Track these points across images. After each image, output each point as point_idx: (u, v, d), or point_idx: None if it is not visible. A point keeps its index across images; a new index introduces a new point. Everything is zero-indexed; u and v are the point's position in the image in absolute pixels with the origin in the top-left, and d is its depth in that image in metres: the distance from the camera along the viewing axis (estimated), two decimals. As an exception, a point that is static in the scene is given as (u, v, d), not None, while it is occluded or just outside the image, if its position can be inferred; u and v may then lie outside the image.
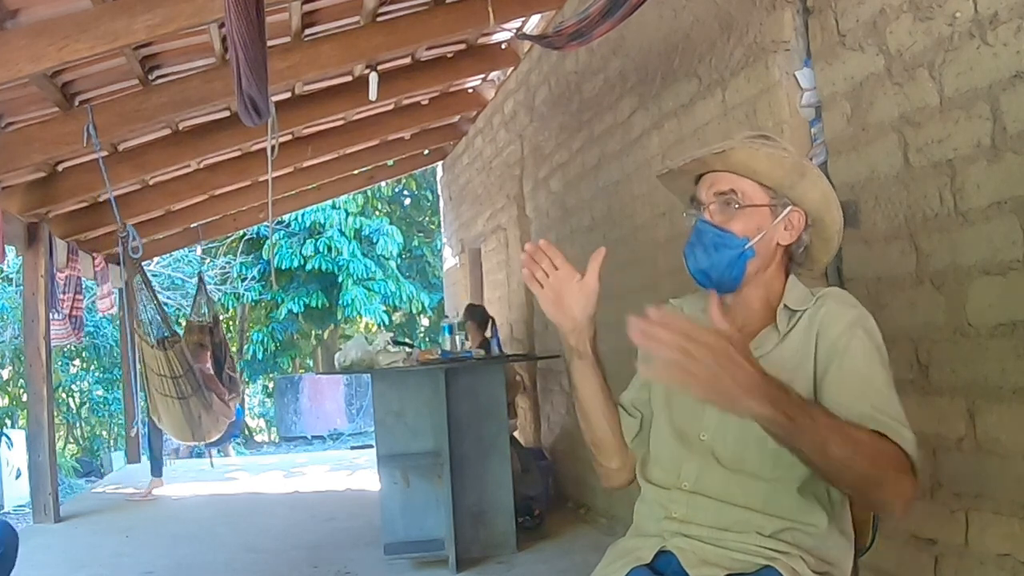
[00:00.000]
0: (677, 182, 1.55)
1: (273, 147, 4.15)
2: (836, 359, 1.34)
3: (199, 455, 10.67)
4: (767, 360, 1.40)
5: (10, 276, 10.02)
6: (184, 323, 8.27)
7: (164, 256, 10.80)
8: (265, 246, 13.26)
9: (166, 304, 11.78)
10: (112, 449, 11.79)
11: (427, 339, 15.07)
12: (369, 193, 13.73)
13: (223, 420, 6.51)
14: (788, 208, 1.44)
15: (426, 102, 6.80)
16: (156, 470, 6.75)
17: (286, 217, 12.45)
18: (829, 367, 1.35)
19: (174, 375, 5.86)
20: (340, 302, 13.88)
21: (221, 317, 14.95)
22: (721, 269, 1.44)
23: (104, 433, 12.47)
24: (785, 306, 1.43)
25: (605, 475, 1.60)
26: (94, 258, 7.10)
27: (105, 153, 4.85)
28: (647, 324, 1.11)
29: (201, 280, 8.27)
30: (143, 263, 7.16)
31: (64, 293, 6.28)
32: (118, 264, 6.56)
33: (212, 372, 6.81)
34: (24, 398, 8.47)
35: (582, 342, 1.46)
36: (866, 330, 1.36)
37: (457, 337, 4.68)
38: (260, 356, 14.48)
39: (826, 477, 1.24)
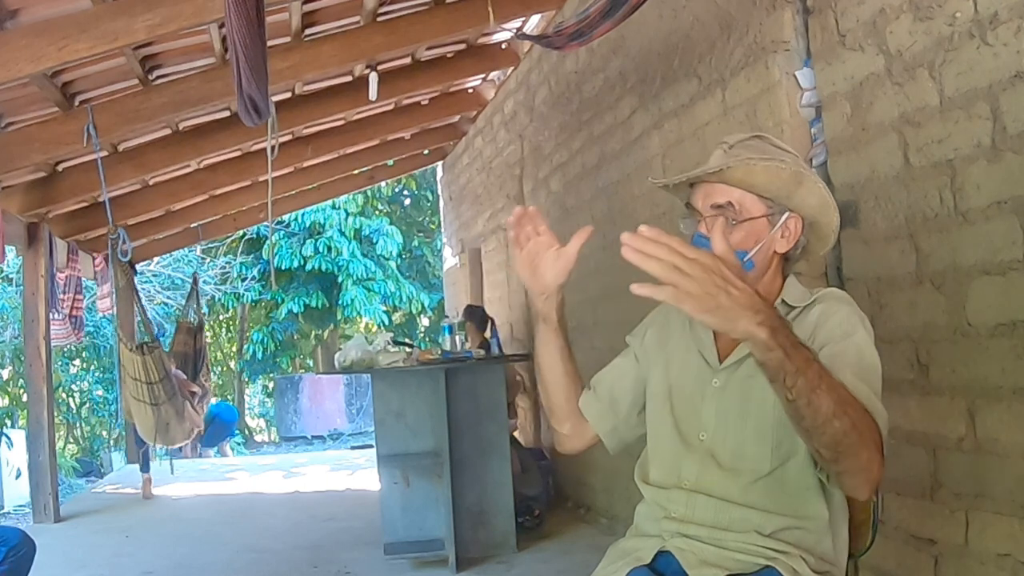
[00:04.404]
0: (674, 185, 1.55)
1: (273, 147, 4.14)
2: (835, 341, 1.33)
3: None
4: None
5: (10, 276, 10.01)
6: (177, 323, 8.28)
7: (164, 256, 10.79)
8: (265, 246, 13.24)
9: (166, 304, 11.82)
10: (112, 449, 11.78)
11: (427, 339, 15.04)
12: (369, 193, 13.71)
13: (192, 428, 6.50)
14: (785, 216, 1.43)
15: (426, 102, 6.79)
16: (144, 467, 6.73)
17: (286, 217, 12.44)
18: (827, 344, 1.33)
19: (150, 381, 5.83)
20: (340, 302, 13.87)
21: (221, 317, 15.09)
22: None
23: (104, 433, 12.46)
24: (783, 301, 1.43)
25: (558, 440, 1.65)
26: (94, 258, 7.10)
27: (105, 153, 4.85)
28: (639, 241, 1.08)
29: (195, 281, 8.26)
30: (135, 266, 7.15)
31: (64, 293, 6.28)
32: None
33: (186, 378, 6.81)
34: (24, 398, 8.45)
35: (549, 307, 1.49)
36: (865, 327, 1.37)
37: (457, 337, 4.68)
38: (260, 356, 14.47)
39: (807, 429, 1.17)
